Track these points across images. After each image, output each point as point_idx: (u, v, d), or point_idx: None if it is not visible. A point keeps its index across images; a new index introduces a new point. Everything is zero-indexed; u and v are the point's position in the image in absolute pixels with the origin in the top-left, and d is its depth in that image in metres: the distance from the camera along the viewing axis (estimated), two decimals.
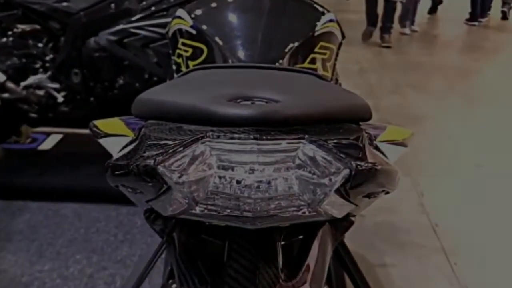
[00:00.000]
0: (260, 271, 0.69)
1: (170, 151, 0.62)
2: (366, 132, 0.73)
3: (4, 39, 2.12)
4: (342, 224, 0.80)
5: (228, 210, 0.64)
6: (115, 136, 0.78)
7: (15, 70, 2.12)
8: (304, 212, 0.65)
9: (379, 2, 5.19)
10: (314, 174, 0.63)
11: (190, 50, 1.09)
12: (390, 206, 2.10)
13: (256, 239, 0.71)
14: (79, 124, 2.13)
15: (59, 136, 2.67)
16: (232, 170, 0.62)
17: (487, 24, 6.49)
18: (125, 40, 2.03)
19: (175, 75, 1.12)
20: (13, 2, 2.08)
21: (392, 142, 0.83)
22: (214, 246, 0.74)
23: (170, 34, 1.19)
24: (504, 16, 6.76)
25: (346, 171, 0.61)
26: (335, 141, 0.65)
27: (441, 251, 1.89)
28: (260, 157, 0.62)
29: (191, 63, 1.08)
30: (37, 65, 2.14)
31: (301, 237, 0.76)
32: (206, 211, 0.65)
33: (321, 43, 1.10)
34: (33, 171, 2.36)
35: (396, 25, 5.35)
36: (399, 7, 5.32)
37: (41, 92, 2.13)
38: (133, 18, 2.06)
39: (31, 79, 2.12)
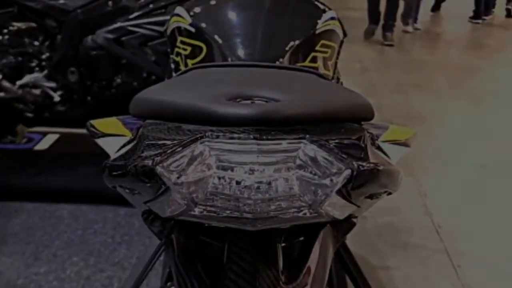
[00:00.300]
0: (260, 274, 0.69)
1: (168, 151, 0.62)
2: (368, 132, 0.73)
3: (0, 37, 2.12)
4: (344, 226, 0.80)
5: (228, 211, 0.64)
6: (113, 136, 0.78)
7: (10, 68, 2.12)
8: (305, 214, 0.65)
9: None
10: (315, 174, 0.63)
11: (189, 48, 1.09)
12: (393, 207, 2.10)
13: (256, 241, 0.71)
14: (76, 123, 2.13)
15: (56, 136, 2.67)
16: (232, 170, 0.62)
17: (491, 22, 6.49)
18: (123, 38, 2.03)
19: (174, 74, 1.12)
20: (9, 0, 2.08)
21: (395, 142, 0.83)
22: (213, 248, 0.74)
23: (168, 32, 1.19)
24: (509, 14, 6.76)
25: (348, 172, 0.62)
26: (336, 141, 0.65)
27: (444, 253, 1.89)
28: (260, 157, 0.62)
29: (190, 62, 1.08)
30: (33, 64, 2.14)
31: (302, 238, 0.76)
32: (205, 212, 0.65)
33: (322, 41, 1.10)
34: (29, 171, 2.35)
35: (398, 23, 5.36)
36: (401, 4, 5.32)
37: (37, 91, 2.13)
38: (131, 16, 2.05)
39: (27, 78, 2.12)
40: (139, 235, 1.91)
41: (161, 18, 1.97)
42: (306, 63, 1.06)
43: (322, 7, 1.18)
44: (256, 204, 0.62)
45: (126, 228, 1.96)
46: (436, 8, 6.92)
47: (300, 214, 0.65)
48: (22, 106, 2.14)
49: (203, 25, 1.09)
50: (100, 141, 0.81)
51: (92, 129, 0.82)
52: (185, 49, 1.10)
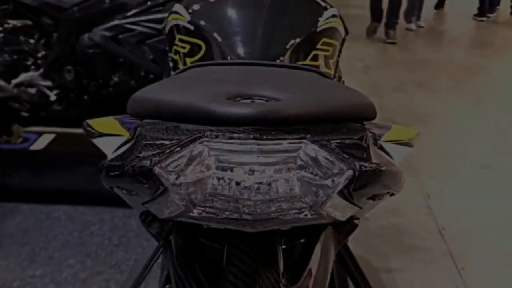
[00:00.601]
0: (260, 276, 0.69)
1: (166, 151, 0.62)
2: (370, 132, 0.74)
3: None
4: (346, 227, 0.80)
5: (227, 213, 0.64)
6: (110, 135, 0.78)
7: (5, 67, 2.11)
8: (306, 215, 0.66)
9: None
10: (316, 175, 0.63)
11: (188, 46, 1.09)
12: (395, 208, 2.10)
13: (256, 243, 0.71)
14: (72, 123, 2.13)
15: (52, 136, 2.67)
16: (231, 171, 0.62)
17: (496, 19, 6.49)
18: (120, 36, 2.03)
19: (172, 73, 1.12)
20: None
21: (397, 142, 0.83)
22: (212, 250, 0.74)
23: (166, 30, 1.19)
24: None
25: (350, 172, 0.62)
26: (338, 141, 0.66)
27: (448, 255, 1.89)
28: (260, 157, 0.62)
29: (188, 60, 1.08)
30: (29, 62, 2.14)
31: (302, 240, 0.76)
32: (204, 214, 0.65)
33: (324, 39, 1.10)
34: (24, 172, 2.35)
35: (401, 20, 5.35)
36: (404, 1, 5.32)
37: (33, 90, 2.12)
38: (129, 14, 2.05)
39: (23, 77, 2.12)
40: (137, 237, 1.91)
41: (159, 16, 1.97)
42: (307, 61, 1.06)
43: (323, 4, 1.18)
44: (256, 205, 0.62)
45: (124, 229, 1.96)
46: (439, 5, 6.92)
47: (301, 216, 0.66)
48: (17, 105, 2.14)
49: (202, 22, 1.09)
50: (97, 141, 0.81)
51: (88, 128, 0.82)
52: (183, 47, 1.10)
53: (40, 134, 2.66)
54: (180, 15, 1.13)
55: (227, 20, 1.11)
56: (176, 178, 0.61)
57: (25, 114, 2.17)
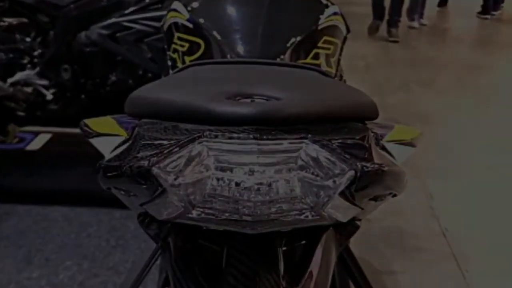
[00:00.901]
0: (260, 278, 0.69)
1: (165, 151, 0.62)
2: (372, 132, 0.74)
3: None
4: (347, 229, 0.80)
5: (227, 214, 0.64)
6: (107, 135, 0.78)
7: (1, 66, 2.12)
8: (306, 216, 0.66)
9: None
10: (317, 175, 0.63)
11: (187, 45, 1.09)
12: (398, 209, 2.10)
13: (256, 245, 0.71)
14: (69, 123, 2.13)
15: (48, 136, 2.67)
16: (231, 171, 0.62)
17: (500, 17, 6.49)
18: (118, 34, 2.03)
19: (171, 71, 1.12)
20: None
21: (400, 142, 0.83)
22: (211, 252, 0.74)
23: (165, 28, 1.19)
24: None
25: (351, 173, 0.62)
26: (339, 141, 0.66)
27: (451, 258, 1.89)
28: (260, 157, 0.62)
29: (187, 59, 1.08)
30: (25, 61, 2.14)
31: (303, 242, 0.76)
32: (203, 215, 0.65)
33: (325, 38, 1.10)
34: (20, 172, 2.36)
35: (404, 18, 5.35)
36: None
37: (29, 89, 2.13)
38: (126, 11, 2.06)
39: (19, 76, 2.12)
40: (134, 238, 1.91)
41: (157, 13, 1.97)
42: (308, 60, 1.06)
43: (324, 2, 1.18)
44: (256, 206, 0.62)
45: (121, 231, 1.96)
46: (443, 3, 6.92)
47: (302, 217, 0.66)
48: (13, 104, 2.14)
49: (201, 20, 1.09)
50: (94, 141, 0.81)
51: (86, 128, 0.82)
52: (182, 46, 1.10)
53: (36, 134, 2.66)
54: (179, 13, 1.13)
55: (226, 18, 1.11)
56: (175, 179, 0.61)
57: (21, 113, 2.17)
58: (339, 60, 1.18)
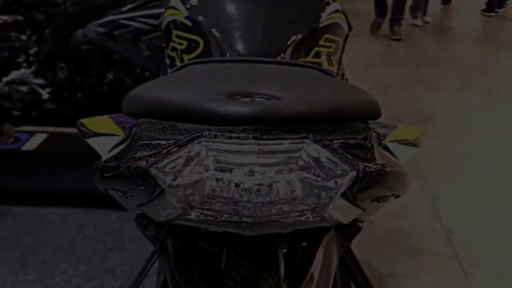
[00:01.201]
0: (260, 281, 0.69)
1: (163, 151, 0.62)
2: (374, 131, 0.74)
3: None
4: (349, 231, 0.80)
5: (226, 215, 0.64)
6: (104, 135, 0.78)
7: None
8: (307, 218, 0.66)
9: None
10: (318, 176, 0.63)
11: (185, 43, 1.09)
12: (401, 211, 2.10)
13: (256, 247, 0.71)
14: (65, 122, 2.13)
15: (44, 136, 2.67)
16: (230, 172, 0.62)
17: (504, 14, 6.49)
18: (115, 32, 2.03)
19: (169, 70, 1.12)
20: None
21: (403, 142, 0.83)
22: (210, 254, 0.74)
23: (163, 25, 1.19)
24: None
25: (353, 173, 0.62)
26: (341, 141, 0.66)
27: (455, 260, 1.89)
28: (261, 158, 0.62)
29: (186, 57, 1.08)
30: (20, 59, 2.14)
31: (304, 244, 0.76)
32: (202, 217, 0.65)
33: (326, 36, 1.10)
34: (15, 173, 2.35)
35: (407, 16, 5.36)
36: None
37: (24, 88, 2.13)
38: (124, 9, 2.06)
39: (14, 74, 2.12)
40: (132, 240, 1.91)
41: (155, 11, 1.97)
42: (309, 58, 1.06)
43: None
44: (256, 207, 0.62)
45: (119, 233, 1.96)
46: (446, 0, 6.92)
47: (303, 218, 0.66)
48: (8, 104, 2.14)
49: (200, 18, 1.09)
50: (91, 141, 0.81)
51: (82, 128, 0.82)
52: (181, 44, 1.10)
53: (32, 134, 2.66)
54: (177, 10, 1.13)
55: (226, 16, 1.11)
56: (173, 180, 0.61)
57: (16, 113, 2.17)
58: (340, 58, 1.18)
